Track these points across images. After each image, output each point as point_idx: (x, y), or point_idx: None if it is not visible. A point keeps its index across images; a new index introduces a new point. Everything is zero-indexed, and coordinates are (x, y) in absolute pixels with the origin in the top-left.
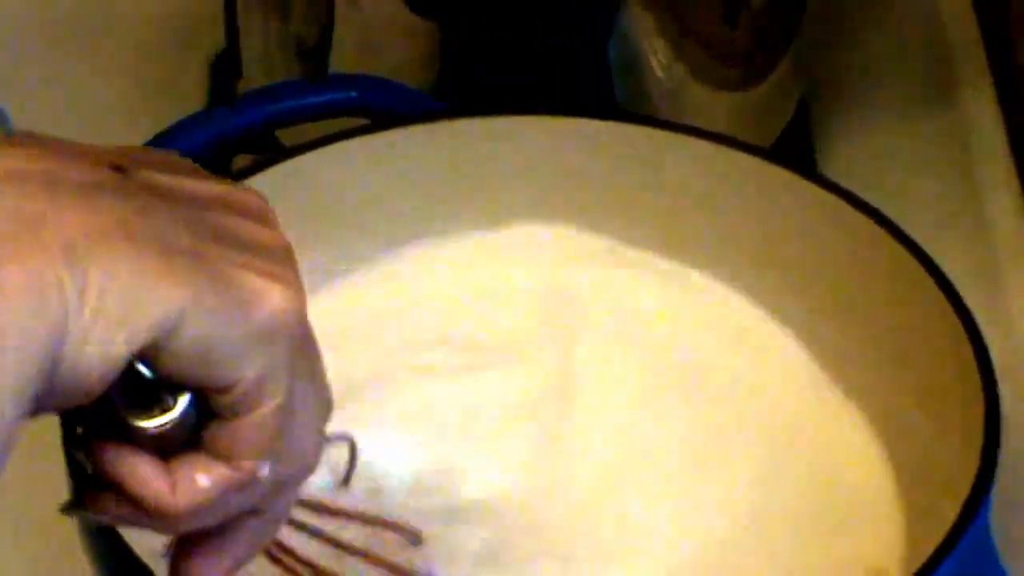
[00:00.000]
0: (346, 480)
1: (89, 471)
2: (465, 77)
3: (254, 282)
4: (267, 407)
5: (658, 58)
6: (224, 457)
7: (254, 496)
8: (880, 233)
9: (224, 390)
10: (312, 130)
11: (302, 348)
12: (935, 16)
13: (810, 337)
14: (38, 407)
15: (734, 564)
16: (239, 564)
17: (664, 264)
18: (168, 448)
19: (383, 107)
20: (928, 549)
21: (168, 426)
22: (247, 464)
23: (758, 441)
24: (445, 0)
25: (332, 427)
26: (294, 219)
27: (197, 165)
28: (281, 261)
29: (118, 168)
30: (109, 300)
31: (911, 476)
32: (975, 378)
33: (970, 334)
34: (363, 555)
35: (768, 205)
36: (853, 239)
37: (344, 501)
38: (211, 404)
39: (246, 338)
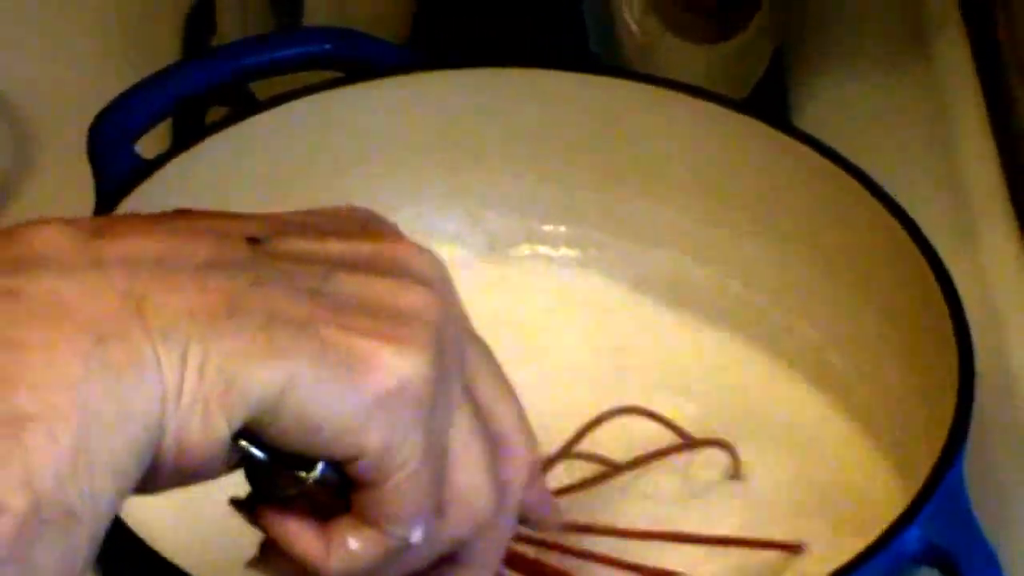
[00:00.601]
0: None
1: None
2: (439, 29)
3: (365, 348)
4: (403, 472)
5: (632, 11)
6: (373, 522)
7: (424, 554)
8: (853, 184)
9: (349, 460)
10: (286, 83)
11: (437, 404)
12: None
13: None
14: (151, 485)
15: None
16: None
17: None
18: (325, 510)
19: (357, 60)
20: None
21: (306, 489)
22: (396, 530)
23: None
24: None
25: None
26: (268, 172)
27: (373, 216)
28: (407, 322)
29: (254, 239)
30: (207, 379)
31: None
32: (948, 330)
33: (942, 284)
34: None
35: (742, 156)
36: (826, 190)
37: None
38: (346, 472)
39: (360, 408)
